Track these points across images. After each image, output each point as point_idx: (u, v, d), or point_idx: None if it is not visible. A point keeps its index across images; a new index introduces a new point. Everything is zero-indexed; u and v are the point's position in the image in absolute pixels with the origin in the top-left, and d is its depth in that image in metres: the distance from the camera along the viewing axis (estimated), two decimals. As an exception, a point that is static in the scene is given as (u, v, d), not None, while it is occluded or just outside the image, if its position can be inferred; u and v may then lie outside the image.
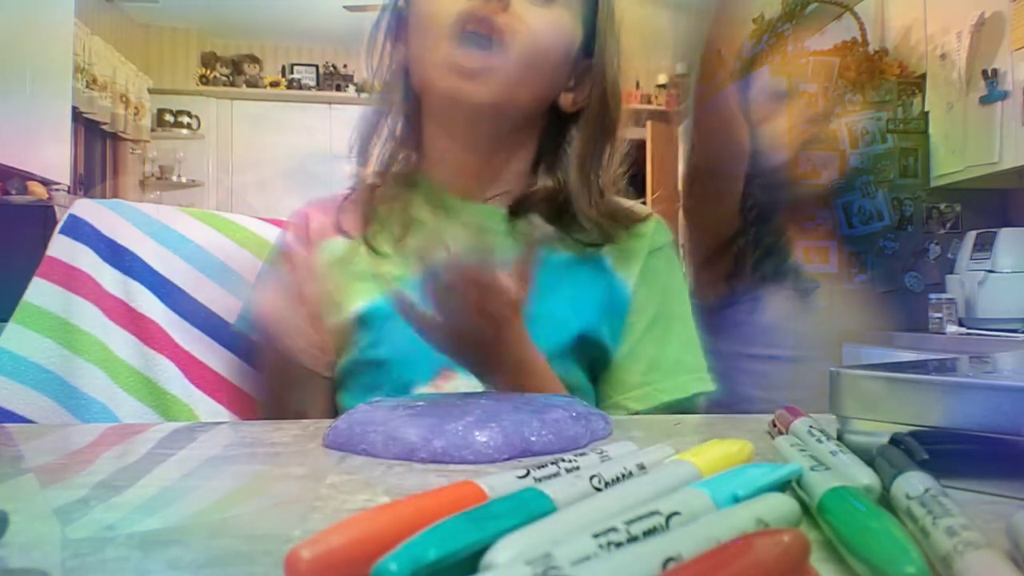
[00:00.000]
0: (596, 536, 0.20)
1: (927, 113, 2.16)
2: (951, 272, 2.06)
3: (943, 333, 1.83)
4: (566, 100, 0.67)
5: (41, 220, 2.76)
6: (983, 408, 0.30)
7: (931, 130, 2.15)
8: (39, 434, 0.51)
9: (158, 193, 5.14)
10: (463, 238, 0.47)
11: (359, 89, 5.14)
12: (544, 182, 0.66)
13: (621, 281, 0.66)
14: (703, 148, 0.87)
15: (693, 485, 0.25)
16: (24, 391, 0.68)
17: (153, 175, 5.17)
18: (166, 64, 5.28)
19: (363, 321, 0.63)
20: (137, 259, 0.75)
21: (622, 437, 0.43)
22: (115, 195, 4.80)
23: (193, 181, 5.20)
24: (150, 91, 5.11)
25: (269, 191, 4.92)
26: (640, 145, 4.88)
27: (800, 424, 0.36)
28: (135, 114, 4.88)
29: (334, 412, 0.65)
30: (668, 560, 0.19)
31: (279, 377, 0.64)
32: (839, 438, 0.34)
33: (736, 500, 0.24)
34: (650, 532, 0.21)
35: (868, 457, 0.30)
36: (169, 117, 5.22)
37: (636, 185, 0.75)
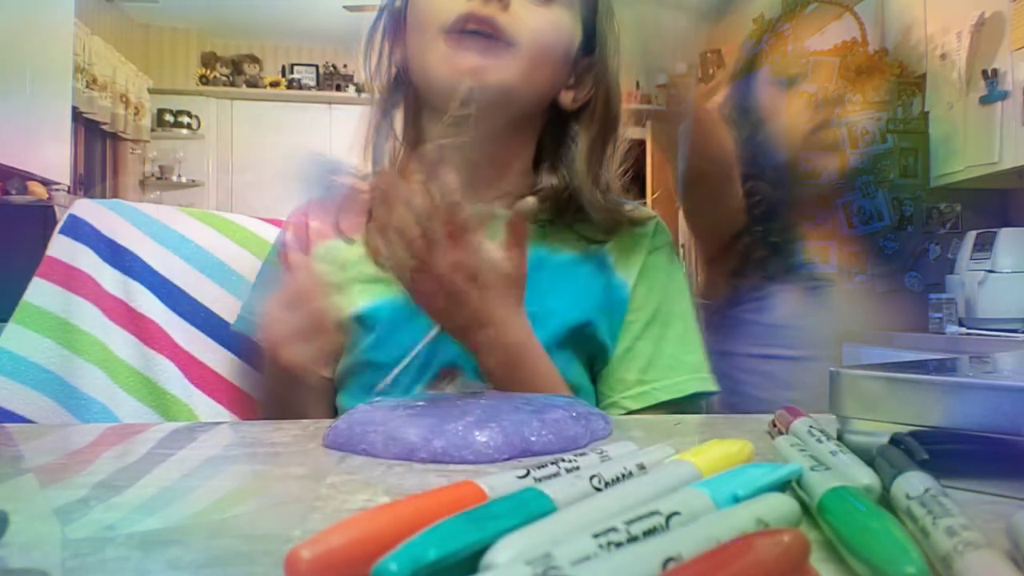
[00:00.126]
0: (596, 536, 0.20)
1: (927, 113, 2.16)
2: (951, 272, 2.06)
3: (943, 333, 1.83)
4: (567, 98, 0.67)
5: (41, 220, 2.76)
6: (983, 408, 0.30)
7: (931, 130, 2.15)
8: (39, 434, 0.51)
9: (158, 193, 5.14)
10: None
11: (359, 89, 5.14)
12: (548, 180, 0.66)
13: (621, 280, 0.66)
14: (688, 154, 0.87)
15: (693, 485, 0.25)
16: (24, 391, 0.68)
17: (153, 175, 5.17)
18: (166, 64, 5.28)
19: (363, 322, 0.63)
20: (137, 259, 0.75)
21: (622, 437, 0.43)
22: (115, 195, 4.80)
23: (193, 181, 5.20)
24: (150, 91, 5.11)
25: (269, 191, 4.92)
26: (640, 145, 4.88)
27: (800, 424, 0.36)
28: (135, 114, 4.88)
29: (334, 412, 0.65)
30: (668, 560, 0.19)
31: (278, 377, 0.64)
32: (839, 438, 0.34)
33: (736, 500, 0.24)
34: (650, 532, 0.21)
35: (868, 457, 0.30)
36: (169, 117, 5.22)
37: (637, 185, 0.75)
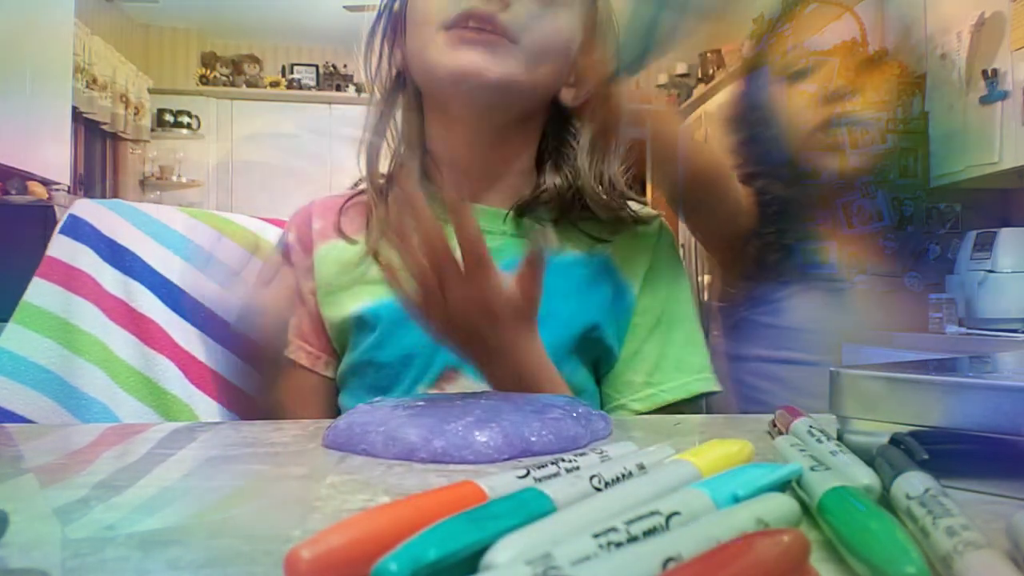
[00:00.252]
0: (596, 536, 0.20)
1: (927, 113, 2.16)
2: (951, 272, 2.06)
3: (943, 333, 1.83)
4: (568, 95, 0.67)
5: (41, 220, 2.77)
6: (983, 408, 0.30)
7: (931, 130, 2.15)
8: (39, 434, 0.51)
9: (158, 193, 5.14)
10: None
11: (359, 89, 5.14)
12: (552, 180, 0.66)
13: (626, 282, 0.66)
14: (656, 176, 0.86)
15: (693, 485, 0.25)
16: (24, 391, 0.68)
17: (153, 175, 5.17)
18: (166, 64, 5.28)
19: (364, 322, 0.63)
20: (137, 259, 0.75)
21: (622, 437, 0.43)
22: (115, 195, 4.80)
23: (193, 181, 5.20)
24: (150, 91, 5.11)
25: (269, 191, 4.92)
26: (640, 145, 4.88)
27: (800, 424, 0.36)
28: (135, 114, 4.88)
29: (335, 412, 0.65)
30: (668, 560, 0.19)
31: (277, 376, 0.64)
32: (839, 438, 0.34)
33: (736, 500, 0.24)
34: (650, 532, 0.21)
35: (868, 457, 0.30)
36: (169, 117, 5.22)
37: (637, 184, 0.75)
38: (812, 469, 0.28)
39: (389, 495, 0.31)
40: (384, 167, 0.68)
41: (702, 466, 0.28)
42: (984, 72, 2.05)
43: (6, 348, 0.69)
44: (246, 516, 0.30)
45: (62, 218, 0.76)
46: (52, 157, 3.48)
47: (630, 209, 0.67)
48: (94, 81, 4.29)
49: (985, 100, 2.06)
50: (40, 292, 0.71)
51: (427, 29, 0.61)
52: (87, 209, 0.76)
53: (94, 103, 4.30)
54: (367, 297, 0.63)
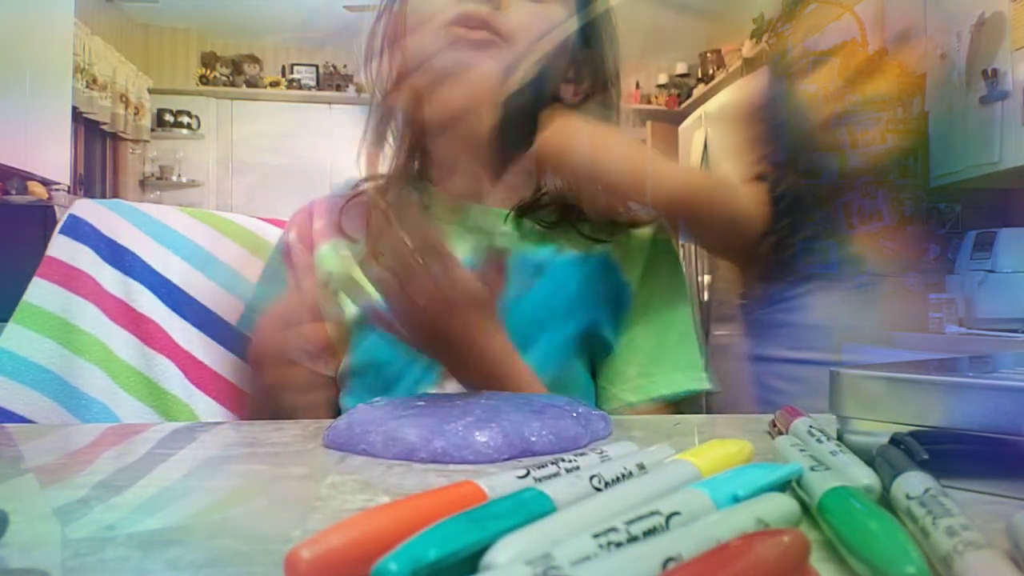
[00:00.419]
0: (596, 536, 0.20)
1: (927, 113, 2.16)
2: (951, 272, 2.06)
3: (943, 333, 1.83)
4: (567, 91, 0.67)
5: (41, 220, 2.77)
6: (983, 408, 0.30)
7: (931, 130, 2.15)
8: (39, 434, 0.51)
9: (158, 193, 5.14)
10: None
11: (359, 89, 5.14)
12: (553, 182, 0.66)
13: (624, 279, 0.66)
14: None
15: (693, 485, 0.25)
16: (24, 391, 0.68)
17: (153, 175, 5.17)
18: (166, 64, 5.27)
19: (365, 322, 0.63)
20: (137, 259, 0.75)
21: (622, 437, 0.43)
22: (115, 195, 4.80)
23: (193, 181, 5.20)
24: (150, 91, 5.11)
25: (269, 191, 4.92)
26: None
27: (800, 424, 0.36)
28: (135, 114, 4.88)
29: (335, 412, 0.65)
30: (668, 560, 0.19)
31: (277, 376, 0.64)
32: (839, 438, 0.34)
33: (736, 500, 0.24)
34: (650, 532, 0.21)
35: (868, 457, 0.30)
36: (169, 117, 5.21)
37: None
38: (812, 469, 0.28)
39: (389, 495, 0.31)
40: (384, 168, 0.68)
41: (702, 466, 0.28)
42: (984, 72, 2.05)
43: (6, 348, 0.69)
44: (246, 516, 0.30)
45: (62, 218, 0.75)
46: (52, 157, 3.48)
47: (627, 211, 0.67)
48: (94, 81, 4.29)
49: (985, 100, 2.06)
50: (40, 292, 0.71)
51: (426, 35, 0.61)
52: (87, 209, 0.76)
53: (94, 103, 4.30)
54: (368, 297, 0.63)
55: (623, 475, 0.27)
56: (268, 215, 0.85)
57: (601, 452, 0.30)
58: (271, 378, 0.60)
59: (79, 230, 0.74)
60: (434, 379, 0.61)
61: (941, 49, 2.18)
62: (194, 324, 0.75)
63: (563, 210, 0.66)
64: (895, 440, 0.31)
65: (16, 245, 1.86)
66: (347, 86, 5.40)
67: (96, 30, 4.34)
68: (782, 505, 0.24)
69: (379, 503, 0.30)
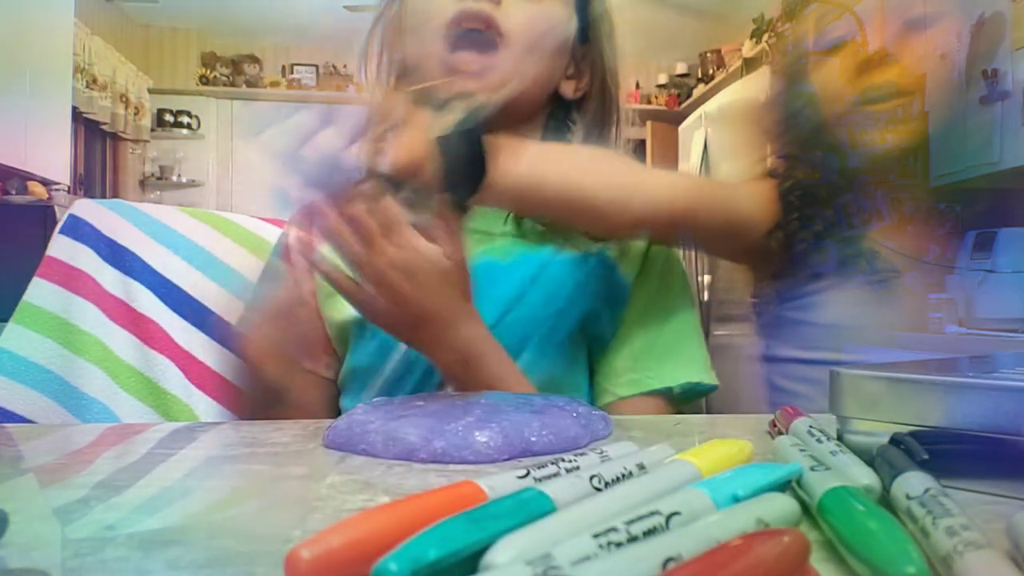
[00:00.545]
0: (596, 536, 0.20)
1: (927, 113, 2.16)
2: (951, 272, 2.05)
3: (943, 333, 1.83)
4: (567, 87, 0.67)
5: (41, 220, 2.77)
6: (983, 408, 0.30)
7: (931, 130, 2.15)
8: (39, 434, 0.51)
9: (158, 193, 5.14)
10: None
11: (359, 89, 5.14)
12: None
13: (622, 278, 0.66)
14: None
15: (693, 485, 0.25)
16: (24, 391, 0.68)
17: (153, 175, 5.17)
18: (166, 64, 5.27)
19: (366, 325, 0.63)
20: (137, 259, 0.75)
21: (622, 437, 0.43)
22: (115, 195, 4.80)
23: (193, 181, 5.20)
24: (150, 91, 5.11)
25: (269, 191, 4.91)
26: (640, 145, 4.88)
27: (800, 424, 0.36)
28: (135, 114, 4.88)
29: (335, 415, 0.65)
30: (668, 560, 0.19)
31: (275, 376, 0.64)
32: (839, 438, 0.34)
33: (736, 500, 0.24)
34: (650, 532, 0.21)
35: (868, 457, 0.30)
36: (169, 117, 5.22)
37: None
38: (812, 469, 0.28)
39: (389, 495, 0.31)
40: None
41: (702, 466, 0.28)
42: (984, 72, 2.05)
43: (6, 348, 0.69)
44: (246, 516, 0.30)
45: (62, 218, 0.76)
46: (52, 157, 3.48)
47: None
48: (94, 81, 4.29)
49: (985, 100, 2.06)
50: (40, 292, 0.71)
51: (425, 36, 0.61)
52: (87, 209, 0.76)
53: (94, 103, 4.30)
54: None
55: (623, 475, 0.27)
56: (268, 215, 0.85)
57: (601, 452, 0.30)
58: (266, 375, 0.59)
59: (79, 230, 0.74)
60: (434, 383, 0.61)
61: (941, 49, 2.18)
62: (194, 324, 0.75)
63: None
64: (895, 440, 0.31)
65: (16, 245, 1.86)
66: (347, 86, 5.40)
67: (96, 30, 4.34)
68: (782, 505, 0.24)
69: (379, 503, 0.30)
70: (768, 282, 0.74)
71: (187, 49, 5.33)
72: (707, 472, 0.28)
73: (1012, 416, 0.29)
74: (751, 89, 3.31)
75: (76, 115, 4.02)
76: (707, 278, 3.29)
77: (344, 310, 0.64)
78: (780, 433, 0.38)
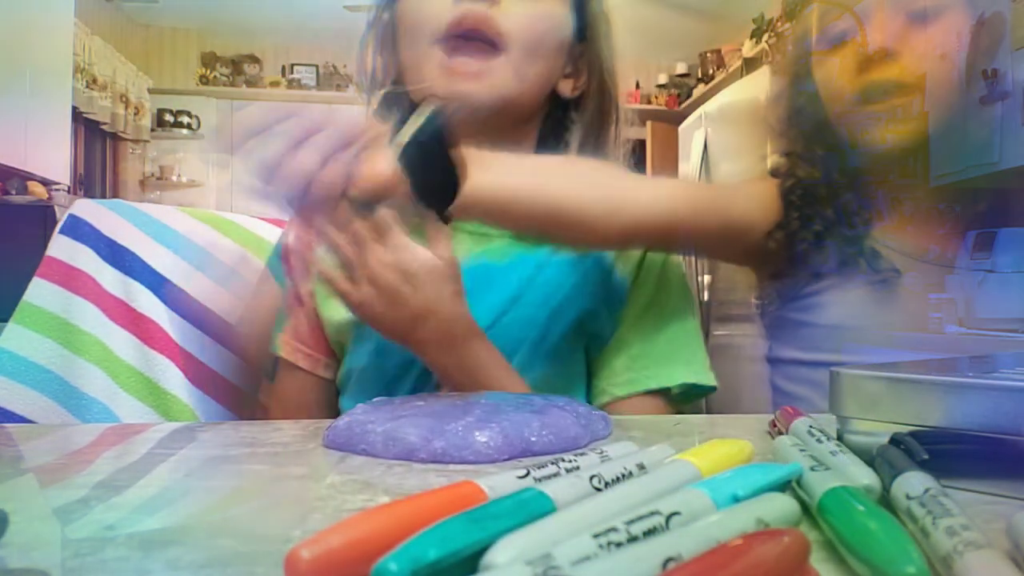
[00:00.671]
0: (596, 536, 0.20)
1: (927, 113, 2.16)
2: (951, 272, 2.05)
3: (943, 333, 1.83)
4: (565, 86, 0.67)
5: (41, 220, 2.77)
6: (983, 408, 0.30)
7: (931, 130, 2.14)
8: (39, 434, 0.51)
9: (158, 193, 5.14)
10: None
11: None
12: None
13: (620, 277, 0.66)
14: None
15: (693, 485, 0.25)
16: (24, 391, 0.68)
17: (153, 175, 5.17)
18: (166, 64, 5.27)
19: (364, 325, 0.63)
20: (137, 259, 0.75)
21: (622, 437, 0.43)
22: (115, 195, 4.80)
23: (193, 181, 5.20)
24: (150, 91, 5.11)
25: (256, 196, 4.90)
26: (640, 145, 4.89)
27: (800, 424, 0.36)
28: (135, 114, 4.88)
29: (334, 415, 0.65)
30: (668, 560, 0.19)
31: (270, 375, 0.65)
32: (839, 438, 0.34)
33: (736, 500, 0.24)
34: (650, 532, 0.21)
35: (868, 457, 0.30)
36: (169, 117, 5.22)
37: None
38: (812, 469, 0.28)
39: (389, 495, 0.31)
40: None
41: (702, 466, 0.28)
42: (984, 72, 2.05)
43: (6, 348, 0.69)
44: (246, 516, 0.30)
45: (62, 218, 0.75)
46: (52, 157, 3.48)
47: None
48: (94, 81, 4.29)
49: (985, 100, 2.06)
50: (40, 292, 0.71)
51: (421, 41, 0.61)
52: (87, 209, 0.76)
53: (94, 103, 4.30)
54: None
55: (623, 475, 0.27)
56: (268, 215, 0.85)
57: (601, 452, 0.30)
58: (259, 369, 0.59)
59: (79, 230, 0.74)
60: (432, 384, 0.61)
61: (941, 49, 2.18)
62: (194, 324, 0.75)
63: None
64: (895, 440, 0.31)
65: (16, 245, 1.86)
66: (347, 86, 5.40)
67: (96, 30, 4.34)
68: (782, 505, 0.24)
69: (379, 503, 0.30)
70: (769, 282, 0.73)
71: (187, 49, 5.33)
72: (707, 472, 0.28)
73: (1012, 416, 0.29)
74: (751, 89, 3.31)
75: (76, 115, 4.02)
76: (707, 278, 3.28)
77: (342, 311, 0.64)
78: (780, 433, 0.38)
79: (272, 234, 0.83)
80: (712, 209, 0.65)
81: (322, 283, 0.52)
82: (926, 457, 0.28)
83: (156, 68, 5.19)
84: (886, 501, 0.26)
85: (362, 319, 0.53)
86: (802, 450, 0.31)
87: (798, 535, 0.20)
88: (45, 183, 3.36)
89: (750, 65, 4.10)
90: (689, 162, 4.06)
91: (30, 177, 3.26)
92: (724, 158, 3.60)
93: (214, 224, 0.81)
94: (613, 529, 0.20)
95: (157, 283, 0.75)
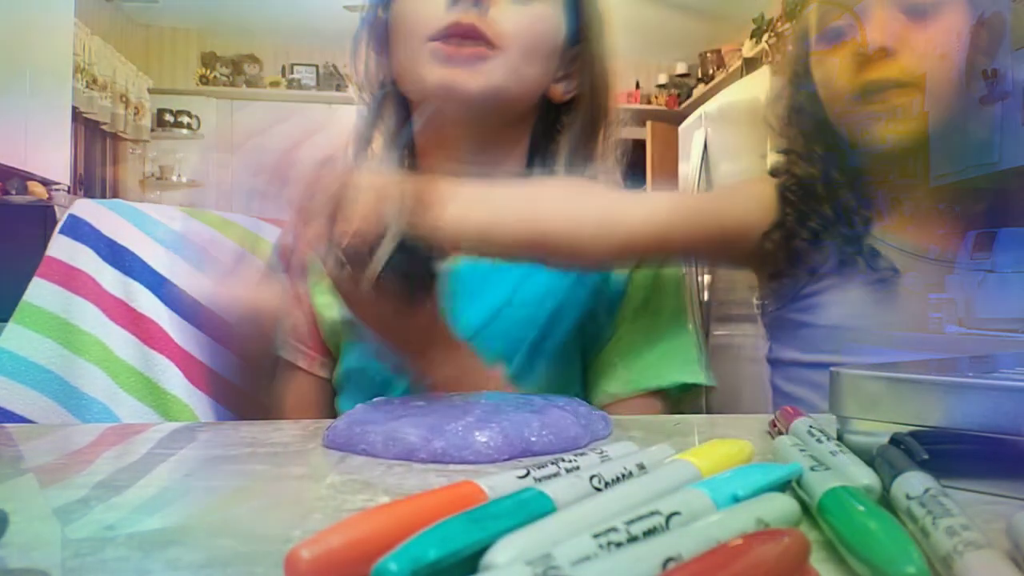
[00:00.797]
0: (596, 536, 0.20)
1: (927, 113, 2.16)
2: (951, 272, 2.05)
3: (943, 333, 1.83)
4: (556, 90, 0.67)
5: (41, 220, 2.77)
6: (983, 408, 0.30)
7: (931, 130, 2.14)
8: (39, 434, 0.51)
9: (158, 193, 5.14)
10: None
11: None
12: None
13: (616, 276, 0.66)
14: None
15: (693, 485, 0.25)
16: (24, 391, 0.68)
17: (153, 175, 5.17)
18: (166, 64, 5.27)
19: (361, 327, 0.63)
20: (137, 259, 0.75)
21: (622, 437, 0.43)
22: (115, 195, 4.80)
23: (193, 181, 5.20)
24: (150, 91, 5.11)
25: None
26: (640, 145, 4.89)
27: (800, 424, 0.36)
28: (135, 114, 4.88)
29: (332, 415, 0.65)
30: (668, 560, 0.19)
31: (271, 375, 0.65)
32: (839, 438, 0.34)
33: (736, 500, 0.24)
34: (650, 532, 0.21)
35: (868, 457, 0.30)
36: (169, 117, 5.22)
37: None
38: (812, 469, 0.28)
39: (389, 495, 0.31)
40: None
41: (702, 466, 0.28)
42: (984, 72, 2.05)
43: (6, 348, 0.69)
44: (246, 516, 0.30)
45: (62, 218, 0.75)
46: (52, 157, 3.48)
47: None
48: (94, 81, 4.29)
49: (985, 100, 2.06)
50: (40, 292, 0.71)
51: (414, 43, 0.61)
52: (87, 209, 0.76)
53: (94, 103, 4.30)
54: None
55: (623, 475, 0.27)
56: (268, 215, 0.85)
57: (601, 452, 0.30)
58: (267, 375, 0.59)
59: (79, 230, 0.74)
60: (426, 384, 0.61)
61: (941, 49, 2.18)
62: (194, 324, 0.75)
63: None
64: (895, 440, 0.31)
65: (16, 245, 1.86)
66: (347, 86, 5.39)
67: (96, 30, 4.34)
68: (782, 505, 0.24)
69: (379, 503, 0.30)
70: (769, 283, 0.73)
71: (187, 49, 5.33)
72: (707, 472, 0.28)
73: (1012, 416, 0.29)
74: (751, 89, 3.31)
75: (76, 115, 4.02)
76: (707, 278, 3.28)
77: (336, 311, 0.64)
78: (780, 433, 0.38)
79: (272, 234, 0.83)
80: (704, 219, 0.65)
81: (320, 282, 0.51)
82: (926, 457, 0.28)
83: (156, 68, 5.19)
84: (886, 501, 0.26)
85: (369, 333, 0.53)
86: (802, 450, 0.31)
87: (798, 535, 0.20)
88: (45, 183, 3.36)
89: (750, 65, 4.10)
90: (689, 162, 4.06)
91: (30, 177, 3.26)
92: (724, 158, 3.60)
93: (214, 224, 0.81)
94: (613, 529, 0.20)
95: (157, 283, 0.75)
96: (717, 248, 0.68)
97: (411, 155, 0.69)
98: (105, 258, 0.74)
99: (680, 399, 0.64)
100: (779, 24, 3.69)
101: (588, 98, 0.67)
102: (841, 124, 0.69)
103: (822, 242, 0.68)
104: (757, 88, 3.12)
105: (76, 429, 0.59)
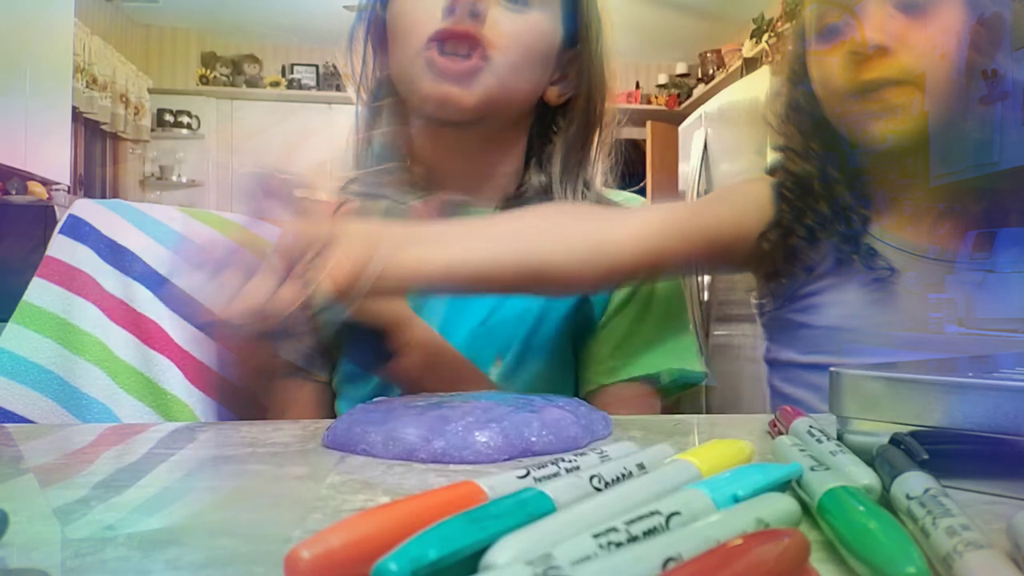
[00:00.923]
0: (596, 536, 0.20)
1: (926, 112, 2.16)
2: (951, 272, 2.05)
3: (943, 333, 1.83)
4: (551, 93, 0.67)
5: (41, 220, 2.76)
6: (983, 408, 0.30)
7: (930, 129, 2.14)
8: (39, 434, 0.51)
9: (158, 193, 5.14)
10: None
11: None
12: (537, 179, 0.66)
13: None
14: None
15: (693, 485, 0.25)
16: (24, 391, 0.68)
17: (153, 175, 5.17)
18: (166, 64, 5.27)
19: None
20: (137, 259, 0.75)
21: (622, 437, 0.43)
22: (115, 195, 4.80)
23: (193, 181, 5.20)
24: (150, 91, 5.11)
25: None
26: (640, 145, 4.89)
27: (800, 424, 0.36)
28: (135, 114, 4.88)
29: (332, 415, 0.66)
30: (668, 560, 0.19)
31: (269, 375, 0.65)
32: (839, 438, 0.34)
33: (736, 500, 0.24)
34: (650, 532, 0.21)
35: (868, 457, 0.30)
36: (169, 117, 5.22)
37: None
38: (812, 469, 0.28)
39: (389, 495, 0.31)
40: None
41: (702, 466, 0.28)
42: (984, 72, 2.05)
43: (6, 348, 0.69)
44: (246, 516, 0.30)
45: (62, 218, 0.75)
46: (52, 157, 3.48)
47: (610, 205, 0.67)
48: (94, 81, 4.29)
49: (985, 100, 2.06)
50: (40, 292, 0.71)
51: (409, 46, 0.61)
52: (87, 209, 0.76)
53: (94, 103, 4.30)
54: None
55: (623, 475, 0.27)
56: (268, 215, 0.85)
57: (601, 452, 0.30)
58: (266, 375, 0.60)
59: (79, 230, 0.74)
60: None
61: (941, 49, 2.18)
62: (194, 324, 0.75)
63: (546, 201, 0.66)
64: (895, 440, 0.31)
65: (16, 245, 1.86)
66: (347, 86, 5.39)
67: (96, 30, 4.34)
68: (782, 505, 0.24)
69: (379, 503, 0.30)
70: (766, 282, 0.73)
71: (187, 49, 5.33)
72: (707, 472, 0.28)
73: (1012, 416, 0.29)
74: (751, 89, 3.31)
75: (76, 115, 4.02)
76: (707, 278, 3.28)
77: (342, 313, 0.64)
78: (780, 433, 0.38)
79: (272, 234, 0.82)
80: (697, 230, 0.64)
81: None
82: (926, 457, 0.28)
83: (156, 68, 5.19)
84: (886, 501, 0.26)
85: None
86: (802, 450, 0.31)
87: (798, 535, 0.20)
88: (45, 183, 3.36)
89: (750, 65, 4.10)
90: (689, 162, 4.06)
91: (30, 177, 3.26)
92: (724, 158, 3.60)
93: (214, 224, 0.81)
94: (613, 529, 0.20)
95: (157, 283, 0.75)
96: (713, 257, 0.68)
97: (408, 157, 0.69)
98: (105, 258, 0.74)
99: (674, 388, 0.63)
100: (779, 24, 3.69)
101: (584, 100, 0.67)
102: (839, 123, 0.68)
103: (819, 240, 0.68)
104: (757, 88, 3.12)
105: (76, 429, 0.59)
